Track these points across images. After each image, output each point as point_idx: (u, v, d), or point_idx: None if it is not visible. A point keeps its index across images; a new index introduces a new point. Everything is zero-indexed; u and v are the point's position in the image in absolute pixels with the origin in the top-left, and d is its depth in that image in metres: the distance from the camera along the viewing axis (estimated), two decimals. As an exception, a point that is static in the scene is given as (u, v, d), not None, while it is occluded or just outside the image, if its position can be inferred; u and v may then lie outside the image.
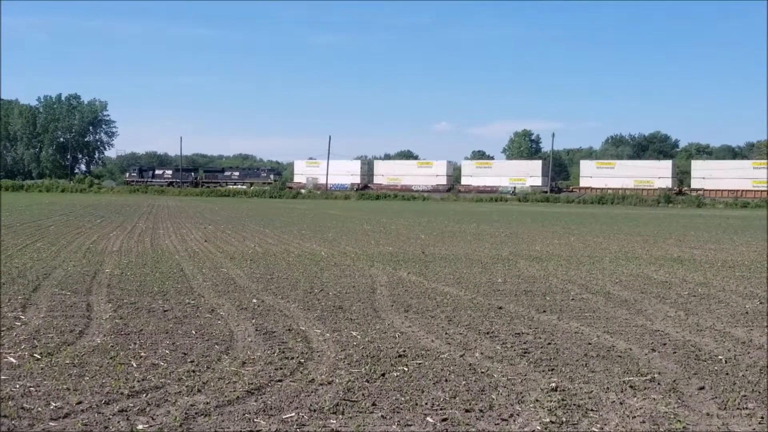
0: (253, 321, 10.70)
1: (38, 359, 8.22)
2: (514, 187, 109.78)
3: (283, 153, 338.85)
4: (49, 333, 9.57)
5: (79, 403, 6.74)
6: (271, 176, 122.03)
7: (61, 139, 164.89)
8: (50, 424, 6.20)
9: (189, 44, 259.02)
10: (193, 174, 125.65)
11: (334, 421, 6.41)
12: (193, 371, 7.88)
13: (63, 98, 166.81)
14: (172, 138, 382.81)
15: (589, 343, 9.66)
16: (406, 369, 8.17)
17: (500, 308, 12.29)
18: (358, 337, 9.79)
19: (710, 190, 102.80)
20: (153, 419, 6.35)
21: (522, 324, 10.97)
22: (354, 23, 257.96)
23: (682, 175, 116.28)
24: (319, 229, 32.90)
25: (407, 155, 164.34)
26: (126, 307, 11.60)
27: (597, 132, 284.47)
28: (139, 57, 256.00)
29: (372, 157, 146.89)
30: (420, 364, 8.41)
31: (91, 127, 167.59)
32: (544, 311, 12.13)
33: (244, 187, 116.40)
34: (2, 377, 7.52)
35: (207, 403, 6.79)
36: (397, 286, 14.65)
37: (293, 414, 6.56)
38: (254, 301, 12.50)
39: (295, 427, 6.27)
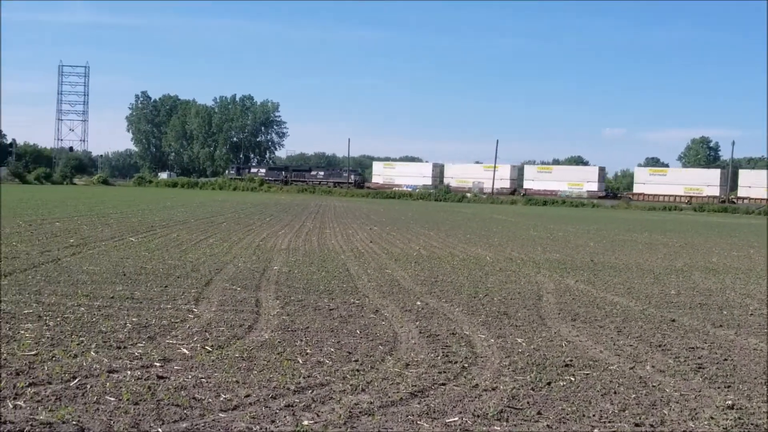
0: (417, 323, 10.76)
1: (209, 351, 8.54)
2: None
3: (449, 155, 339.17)
4: (219, 327, 9.94)
5: (247, 396, 6.96)
6: (352, 176, 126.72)
7: (235, 139, 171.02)
8: (220, 415, 6.42)
9: (358, 47, 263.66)
10: (283, 173, 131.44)
11: (498, 428, 6.36)
12: (358, 370, 7.99)
13: (237, 99, 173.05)
14: (341, 138, 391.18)
15: (770, 362, 9.20)
16: (572, 379, 8.02)
17: (673, 321, 11.89)
18: (524, 344, 9.68)
19: None
20: (318, 416, 6.48)
21: (696, 338, 10.57)
22: (527, 27, 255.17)
23: None
24: (484, 233, 32.77)
25: (578, 161, 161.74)
26: (293, 304, 11.90)
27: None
28: (311, 59, 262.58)
29: (539, 163, 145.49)
30: (587, 374, 8.23)
31: (263, 127, 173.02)
32: (721, 326, 11.65)
33: (329, 186, 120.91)
34: (175, 368, 7.85)
35: (371, 403, 6.87)
36: (564, 294, 14.42)
37: (456, 418, 6.54)
38: (418, 303, 12.57)
39: (458, 431, 6.26)
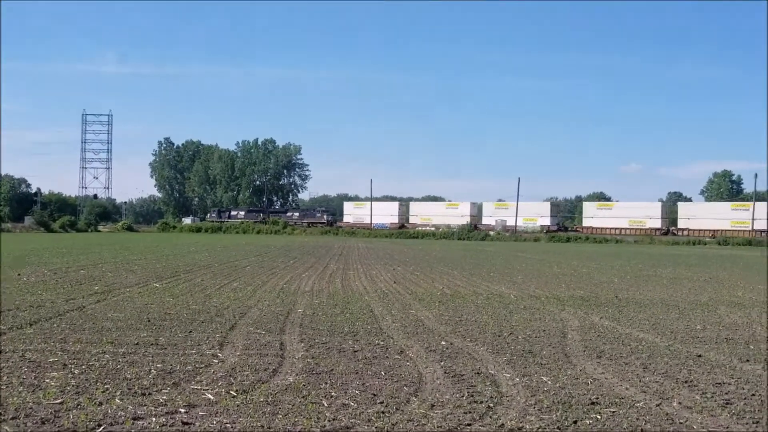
0: (442, 363, 10.71)
1: (234, 396, 8.54)
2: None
3: (473, 194, 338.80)
4: (244, 371, 9.93)
5: (273, 440, 6.94)
6: (325, 216, 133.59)
7: (257, 182, 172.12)
8: (245, 459, 6.40)
9: (378, 88, 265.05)
10: (261, 214, 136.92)
11: (525, 469, 6.31)
12: (383, 412, 7.96)
13: (260, 142, 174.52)
14: (363, 179, 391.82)
15: (800, 396, 9.08)
16: (599, 417, 7.95)
17: (699, 356, 11.78)
18: (549, 382, 9.61)
19: None
20: (343, 459, 6.45)
21: (723, 373, 10.46)
22: (548, 68, 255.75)
23: None
24: (507, 271, 32.68)
25: (599, 197, 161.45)
26: (317, 347, 11.89)
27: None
28: (331, 101, 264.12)
29: (562, 199, 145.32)
30: (614, 412, 8.16)
31: (285, 170, 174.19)
32: (747, 360, 11.53)
33: (304, 225, 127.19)
34: (200, 413, 7.86)
35: (396, 445, 6.83)
36: (589, 331, 14.33)
37: (482, 459, 6.49)
38: (443, 343, 12.53)
39: (484, 472, 6.21)
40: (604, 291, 23.42)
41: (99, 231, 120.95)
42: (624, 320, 16.22)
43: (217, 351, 11.35)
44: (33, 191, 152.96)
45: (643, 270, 35.48)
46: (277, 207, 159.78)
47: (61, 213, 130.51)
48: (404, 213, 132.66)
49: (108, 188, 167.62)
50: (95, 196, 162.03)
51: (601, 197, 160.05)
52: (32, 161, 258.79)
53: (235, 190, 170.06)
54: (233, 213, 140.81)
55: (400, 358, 11.07)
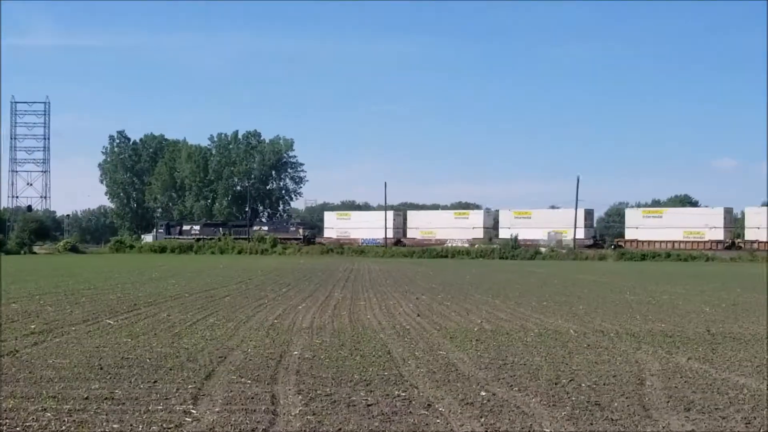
0: (482, 420, 10.70)
1: (213, 465, 8.55)
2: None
3: (514, 200, 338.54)
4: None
5: None
6: (300, 230, 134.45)
7: (238, 188, 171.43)
8: None
9: (394, 65, 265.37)
10: (221, 229, 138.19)
11: None
12: (406, 485, 7.95)
13: (240, 136, 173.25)
14: (374, 183, 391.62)
15: None
16: (689, 488, 7.92)
17: (819, 408, 11.73)
18: (623, 443, 9.59)
19: None
20: None
21: None
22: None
23: None
24: (565, 299, 32.60)
25: (683, 201, 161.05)
26: (320, 400, 11.88)
27: None
28: (334, 83, 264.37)
29: (634, 205, 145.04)
30: (708, 482, 8.13)
31: (273, 172, 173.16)
32: None
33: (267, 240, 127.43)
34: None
35: None
36: (673, 376, 14.28)
37: None
38: (482, 393, 12.50)
39: None
40: (692, 324, 23.35)
41: (35, 253, 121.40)
42: (719, 361, 16.16)
43: (191, 407, 11.36)
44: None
45: (742, 296, 35.34)
46: (261, 219, 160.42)
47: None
48: (400, 225, 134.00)
49: (46, 197, 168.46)
50: (29, 208, 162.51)
51: (685, 201, 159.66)
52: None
53: (210, 197, 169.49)
54: (185, 227, 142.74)
55: (428, 414, 11.06)
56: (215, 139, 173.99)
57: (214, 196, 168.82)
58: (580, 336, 20.15)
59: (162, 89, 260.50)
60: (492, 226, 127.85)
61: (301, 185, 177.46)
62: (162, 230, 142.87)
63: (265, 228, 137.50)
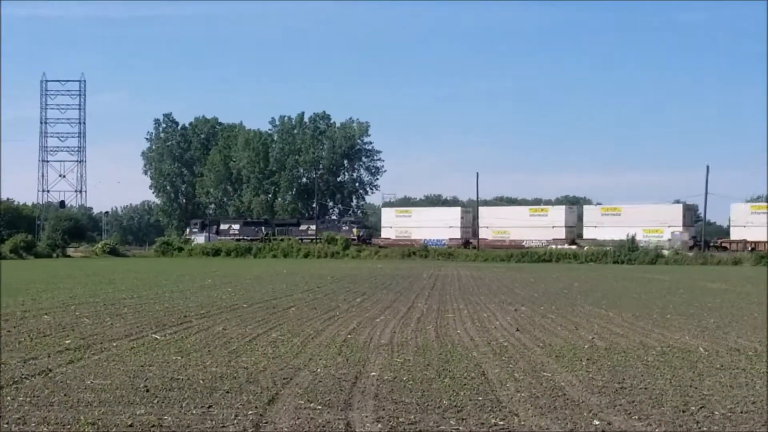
0: (596, 454, 10.63)
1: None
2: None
3: (633, 194, 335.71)
4: (293, 466, 9.99)
5: None
6: (354, 229, 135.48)
7: (304, 179, 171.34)
8: None
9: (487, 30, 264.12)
10: (263, 228, 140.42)
11: None
12: None
13: (306, 119, 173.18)
14: (464, 175, 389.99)
15: None
16: None
17: None
18: (765, 483, 9.48)
19: None
20: None
21: None
22: None
23: None
24: (693, 311, 32.27)
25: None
26: (403, 429, 11.92)
27: None
28: (414, 61, 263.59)
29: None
30: None
31: (345, 161, 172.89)
32: None
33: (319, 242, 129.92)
34: None
35: None
36: (824, 403, 14.08)
37: None
38: (596, 422, 12.45)
39: None
40: None
41: (69, 256, 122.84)
42: None
43: (252, 436, 11.42)
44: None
45: None
46: (331, 216, 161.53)
47: (11, 230, 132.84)
48: (468, 224, 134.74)
49: (81, 191, 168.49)
50: (62, 204, 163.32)
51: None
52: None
53: (271, 191, 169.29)
54: (223, 227, 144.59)
55: (531, 447, 11.01)
56: (277, 122, 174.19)
57: (276, 190, 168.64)
58: (712, 355, 19.95)
59: (215, 64, 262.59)
60: (575, 224, 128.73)
61: (378, 177, 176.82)
62: (196, 230, 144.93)
63: (313, 227, 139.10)
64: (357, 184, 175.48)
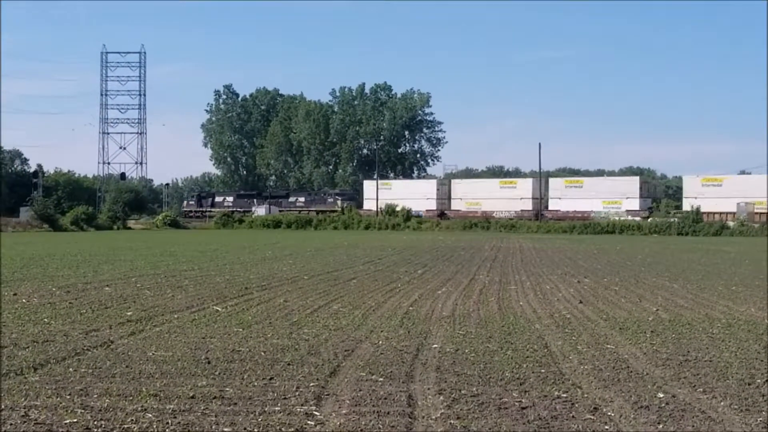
0: (660, 426, 10.59)
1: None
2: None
3: (700, 164, 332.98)
4: (355, 437, 10.01)
5: None
6: (339, 201, 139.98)
7: (365, 151, 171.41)
8: None
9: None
10: (255, 201, 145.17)
11: None
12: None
13: (367, 90, 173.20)
14: (526, 145, 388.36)
15: None
16: None
17: None
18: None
19: None
20: None
21: None
22: None
23: None
24: (759, 282, 32.00)
25: None
26: (465, 402, 11.88)
27: None
28: (477, 30, 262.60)
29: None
30: None
31: (407, 132, 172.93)
32: None
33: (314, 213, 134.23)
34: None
35: None
36: None
37: None
38: (660, 395, 12.37)
39: None
40: None
41: (129, 228, 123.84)
42: None
43: (313, 408, 11.46)
44: (32, 170, 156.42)
45: None
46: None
47: (72, 202, 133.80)
48: (443, 195, 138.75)
49: (142, 163, 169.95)
50: (123, 176, 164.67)
51: None
52: (29, 124, 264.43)
53: (331, 163, 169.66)
54: (218, 199, 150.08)
55: (594, 419, 10.99)
56: (338, 94, 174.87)
57: (336, 162, 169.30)
58: (780, 327, 19.81)
59: (275, 35, 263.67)
60: (543, 196, 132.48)
61: (440, 148, 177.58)
62: (193, 202, 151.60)
63: (302, 199, 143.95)
64: (418, 156, 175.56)
